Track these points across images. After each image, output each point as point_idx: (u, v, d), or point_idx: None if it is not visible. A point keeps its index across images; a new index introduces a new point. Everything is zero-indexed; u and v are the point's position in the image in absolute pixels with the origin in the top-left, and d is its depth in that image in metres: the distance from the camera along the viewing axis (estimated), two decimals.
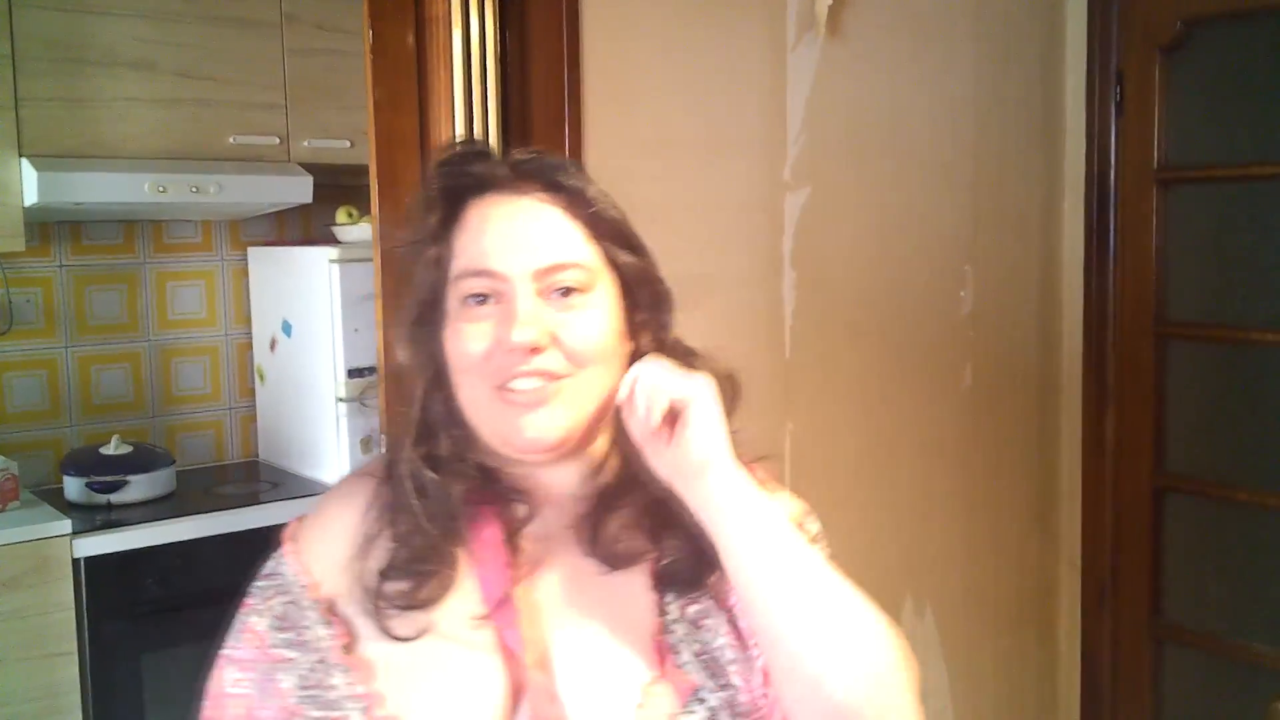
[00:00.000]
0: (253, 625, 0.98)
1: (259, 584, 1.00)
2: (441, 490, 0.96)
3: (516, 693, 0.92)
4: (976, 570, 2.58)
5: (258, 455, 3.52)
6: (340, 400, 3.08)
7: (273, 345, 3.36)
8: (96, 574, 2.65)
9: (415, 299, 0.98)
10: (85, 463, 2.96)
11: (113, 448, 2.98)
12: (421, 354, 0.98)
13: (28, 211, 2.78)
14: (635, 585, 0.98)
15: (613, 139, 1.77)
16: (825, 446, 2.18)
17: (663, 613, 0.97)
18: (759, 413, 2.21)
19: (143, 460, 2.98)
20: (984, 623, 2.59)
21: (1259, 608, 2.55)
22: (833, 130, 2.17)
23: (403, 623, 0.93)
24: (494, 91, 1.57)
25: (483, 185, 0.99)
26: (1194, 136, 2.53)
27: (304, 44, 3.17)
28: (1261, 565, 2.56)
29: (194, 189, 2.92)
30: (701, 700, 0.93)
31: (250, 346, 3.49)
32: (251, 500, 3.02)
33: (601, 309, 0.97)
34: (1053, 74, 2.61)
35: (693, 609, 0.97)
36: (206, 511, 2.86)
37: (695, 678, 0.94)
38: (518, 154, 1.01)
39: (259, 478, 3.32)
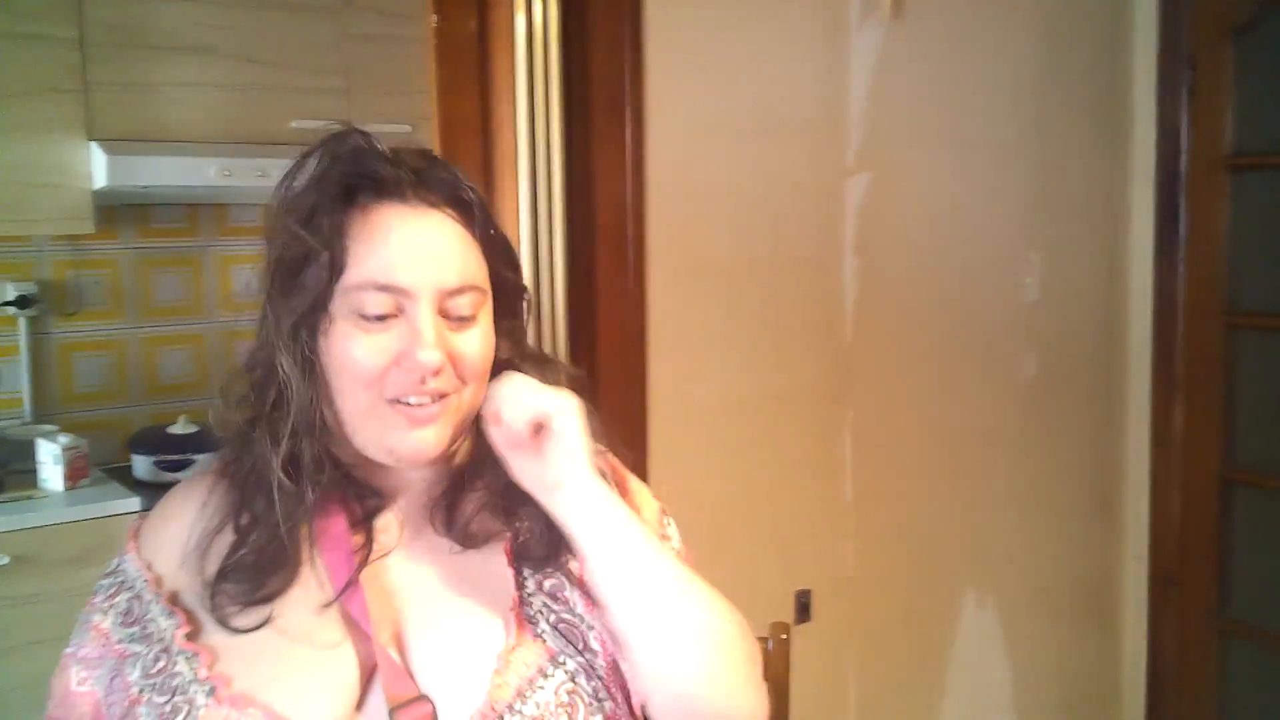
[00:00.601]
0: (97, 623, 1.01)
1: (103, 582, 1.04)
2: (294, 490, 0.95)
3: (368, 671, 0.94)
4: (1039, 562, 2.55)
5: None
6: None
7: None
8: None
9: (302, 301, 0.95)
10: (153, 441, 3.01)
11: (179, 427, 3.03)
12: (296, 356, 0.95)
13: (96, 194, 2.83)
14: (491, 562, 1.01)
15: (674, 123, 1.76)
16: (885, 434, 2.16)
17: (520, 587, 0.99)
18: (819, 400, 2.19)
19: (209, 440, 3.03)
20: (1046, 615, 2.56)
21: None
22: (895, 114, 2.14)
23: (242, 617, 0.95)
24: (555, 75, 1.57)
25: (380, 188, 0.97)
26: (1266, 122, 2.47)
27: (364, 29, 3.18)
28: None
29: (259, 173, 2.96)
30: (560, 664, 0.96)
31: None
32: None
33: (485, 326, 1.00)
34: (1120, 57, 2.55)
35: (549, 583, 1.00)
36: None
37: (553, 645, 0.97)
38: (412, 158, 1.00)
39: None
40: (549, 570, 1.01)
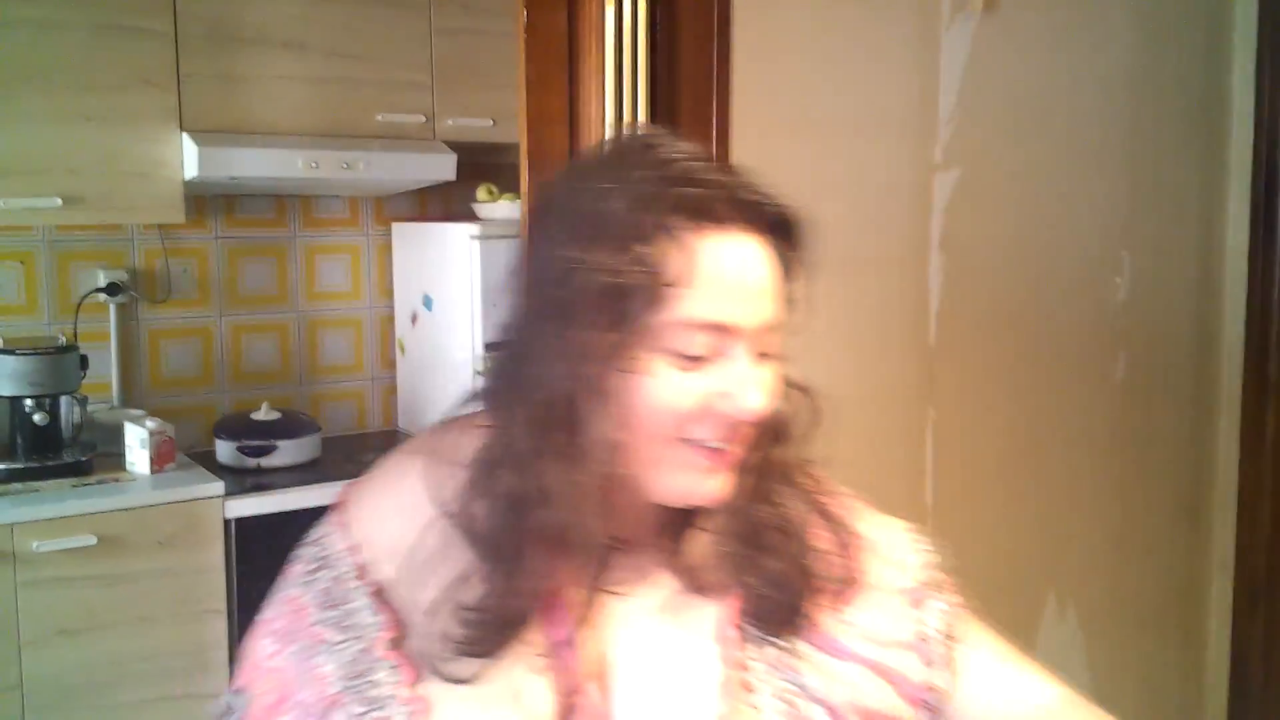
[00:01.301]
0: (295, 597, 0.92)
1: (303, 551, 0.95)
2: (590, 548, 0.85)
3: (567, 709, 0.86)
4: (1122, 569, 2.50)
5: (397, 425, 3.60)
6: (478, 373, 3.12)
7: (414, 319, 3.44)
8: (246, 535, 2.76)
9: (617, 336, 0.81)
10: (237, 427, 3.07)
11: (263, 414, 3.09)
12: (601, 393, 0.82)
13: (187, 185, 2.89)
14: (715, 616, 0.91)
15: (760, 118, 1.75)
16: (969, 436, 2.13)
17: (742, 646, 0.90)
18: (901, 400, 2.17)
19: (291, 426, 3.08)
20: (1129, 623, 2.51)
21: None
22: (986, 110, 2.11)
23: (459, 664, 0.85)
24: (644, 71, 1.56)
25: (700, 211, 0.83)
26: None
27: (450, 24, 3.22)
28: None
29: (345, 166, 3.00)
30: None
31: (392, 319, 3.57)
32: None
33: (779, 359, 0.89)
34: (1218, 52, 2.49)
35: (774, 650, 0.90)
36: (350, 477, 2.93)
37: (771, 718, 0.87)
38: (726, 173, 0.87)
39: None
40: (780, 637, 0.90)
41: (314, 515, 3.25)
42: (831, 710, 0.89)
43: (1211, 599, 2.68)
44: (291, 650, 0.90)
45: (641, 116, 1.58)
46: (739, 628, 0.90)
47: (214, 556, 2.71)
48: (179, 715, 2.68)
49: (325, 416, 3.43)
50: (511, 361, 0.88)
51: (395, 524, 0.91)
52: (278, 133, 2.98)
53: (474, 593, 0.85)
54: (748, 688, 0.88)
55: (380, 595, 0.89)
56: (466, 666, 0.84)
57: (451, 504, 0.87)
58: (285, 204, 3.39)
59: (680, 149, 0.86)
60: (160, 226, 3.16)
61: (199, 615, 2.70)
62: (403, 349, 3.54)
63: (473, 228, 3.10)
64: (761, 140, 1.76)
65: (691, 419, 0.84)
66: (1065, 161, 2.25)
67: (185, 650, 2.69)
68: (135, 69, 2.80)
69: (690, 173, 0.84)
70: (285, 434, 3.05)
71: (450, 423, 0.95)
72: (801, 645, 0.90)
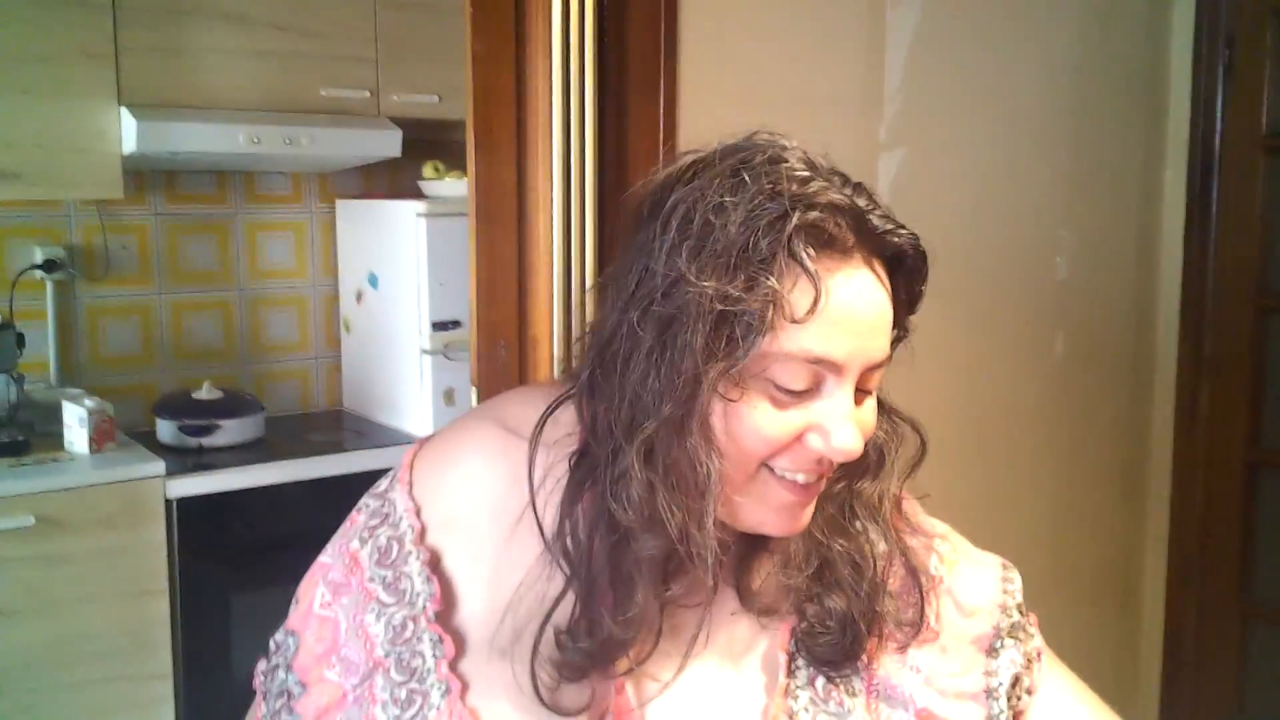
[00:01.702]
0: (354, 550, 0.91)
1: (368, 502, 0.94)
2: (655, 566, 0.81)
3: (600, 711, 0.84)
4: (1061, 543, 2.55)
5: (343, 405, 3.57)
6: (425, 352, 3.11)
7: (359, 297, 3.41)
8: (188, 515, 2.73)
9: (722, 363, 0.77)
10: (178, 406, 3.03)
11: (204, 392, 3.05)
12: (701, 422, 0.78)
13: (126, 160, 2.84)
14: (767, 640, 0.88)
15: (707, 96, 1.76)
16: (912, 412, 2.16)
17: (790, 674, 0.86)
18: None
19: (233, 405, 3.05)
20: (1068, 594, 2.56)
21: None
22: (931, 89, 2.13)
23: (543, 681, 0.82)
24: (592, 47, 1.56)
25: (826, 240, 0.78)
26: None
27: None
28: None
29: (287, 141, 2.96)
30: None
31: (337, 298, 3.54)
32: (337, 448, 3.07)
33: (875, 394, 0.85)
34: (1158, 34, 2.53)
35: (822, 681, 0.86)
36: (294, 457, 2.92)
37: None
38: (854, 197, 0.80)
39: (344, 426, 3.38)
40: (835, 672, 0.86)
41: (259, 495, 3.22)
42: None
43: (1147, 571, 2.74)
44: (344, 602, 0.89)
45: (590, 93, 1.58)
46: (790, 655, 0.87)
47: (155, 536, 2.68)
48: (122, 695, 2.66)
49: (269, 396, 3.39)
50: (606, 364, 0.82)
51: (460, 493, 0.90)
52: (219, 107, 2.94)
53: (571, 616, 0.82)
54: (790, 716, 0.84)
55: (435, 564, 0.88)
56: (550, 681, 0.82)
57: (542, 514, 0.84)
58: (227, 180, 3.35)
59: (809, 164, 0.81)
60: (99, 202, 3.10)
61: (140, 595, 2.67)
62: (348, 328, 3.51)
63: (419, 205, 3.08)
64: (709, 118, 1.77)
65: (782, 452, 0.80)
66: (1008, 141, 2.28)
67: (127, 630, 2.66)
68: (73, 40, 2.74)
69: (818, 195, 0.78)
70: (228, 413, 3.02)
71: (520, 393, 0.94)
72: (856, 683, 0.87)
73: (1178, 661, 2.75)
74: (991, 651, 0.90)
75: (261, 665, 0.96)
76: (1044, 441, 2.46)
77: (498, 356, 1.67)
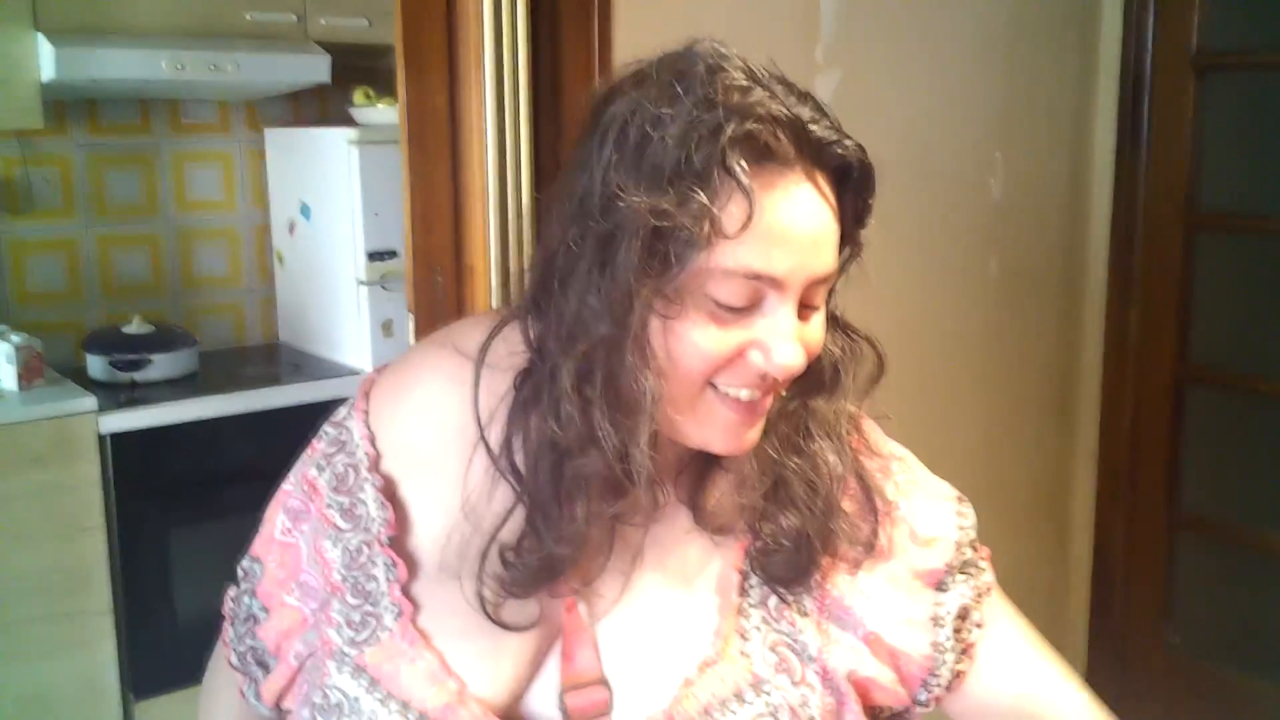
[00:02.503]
0: (312, 477, 0.91)
1: (327, 430, 0.93)
2: (594, 484, 0.80)
3: (552, 638, 0.85)
4: (995, 459, 2.60)
5: (279, 338, 3.53)
6: (361, 283, 3.07)
7: (291, 228, 3.35)
8: (122, 451, 2.69)
9: (658, 281, 0.76)
10: (108, 341, 2.98)
11: (135, 327, 3.00)
12: (641, 341, 0.77)
13: (45, 88, 2.75)
14: (721, 558, 0.88)
15: (643, 13, 1.73)
16: None
17: (743, 593, 0.86)
18: None
19: (165, 339, 3.00)
20: (1001, 511, 2.61)
21: (1277, 498, 2.57)
22: (866, 12, 2.12)
23: (489, 597, 0.82)
24: None
25: (764, 151, 0.76)
26: (1234, 22, 2.46)
27: None
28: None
29: (212, 67, 2.88)
30: (764, 693, 0.83)
31: (269, 229, 3.47)
32: (273, 381, 3.04)
33: (823, 310, 0.84)
34: None
35: (776, 602, 0.87)
36: (229, 391, 2.89)
37: (761, 670, 0.84)
38: (796, 106, 0.78)
39: (280, 360, 3.34)
40: (787, 591, 0.87)
41: (194, 430, 3.18)
42: (825, 673, 0.86)
43: (1077, 485, 2.81)
44: (304, 529, 0.91)
45: (522, 14, 1.55)
46: (743, 574, 0.87)
47: (89, 473, 2.64)
48: (61, 633, 2.64)
49: (202, 330, 3.34)
50: (548, 282, 0.81)
51: (414, 421, 0.90)
52: (140, 32, 2.85)
53: (516, 534, 0.82)
54: (742, 634, 0.85)
55: (390, 490, 0.88)
56: (494, 598, 0.82)
57: (489, 434, 0.83)
58: (151, 109, 3.26)
59: (749, 74, 0.79)
60: (17, 133, 3.00)
61: (77, 533, 2.64)
62: (281, 260, 3.45)
63: (350, 133, 3.02)
64: (645, 35, 1.74)
65: (723, 369, 0.79)
66: (943, 63, 2.28)
67: (64, 568, 2.63)
68: None
69: (757, 106, 0.76)
70: (159, 347, 2.97)
71: (475, 319, 0.94)
72: (808, 602, 0.87)
73: (1107, 572, 2.83)
74: (941, 586, 0.91)
75: (231, 592, 0.98)
76: (978, 360, 2.50)
77: (434, 285, 1.65)
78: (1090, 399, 2.76)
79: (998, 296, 2.49)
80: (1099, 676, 2.78)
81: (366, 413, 0.92)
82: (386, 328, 3.09)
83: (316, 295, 3.29)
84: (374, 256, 3.06)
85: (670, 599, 0.86)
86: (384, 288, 3.07)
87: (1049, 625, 0.96)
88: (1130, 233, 2.63)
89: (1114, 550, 2.80)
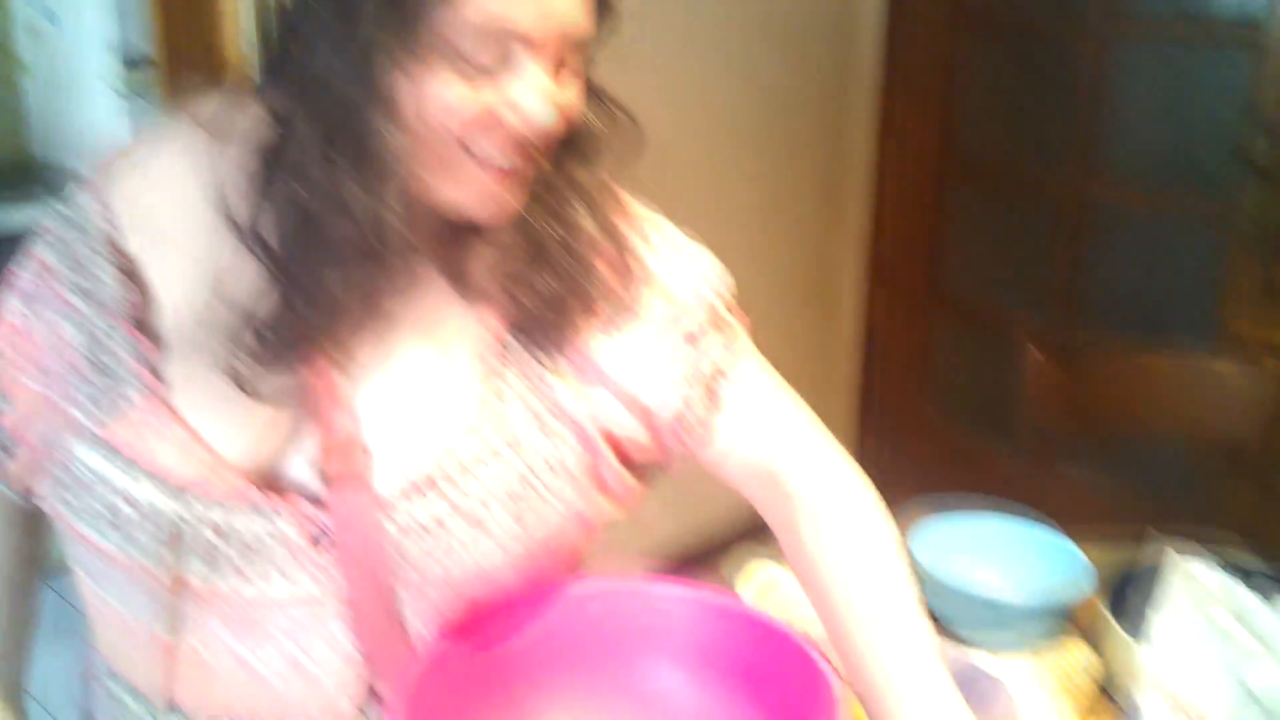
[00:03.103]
0: (42, 256, 0.87)
1: (58, 208, 0.88)
2: (345, 250, 0.78)
3: (312, 400, 0.83)
4: (773, 251, 2.70)
5: (32, 152, 3.31)
6: (118, 94, 2.90)
7: (35, 35, 3.11)
8: None
9: (412, 31, 0.74)
10: None
11: None
12: (382, 96, 0.75)
13: None
14: (480, 322, 0.88)
15: None
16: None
17: (501, 355, 0.87)
18: None
19: None
20: (776, 298, 2.74)
21: (1024, 280, 2.76)
22: None
23: (241, 370, 0.80)
24: None
25: None
26: None
27: None
28: (1032, 243, 2.74)
29: None
30: (519, 451, 0.86)
31: (11, 36, 3.21)
32: (26, 199, 2.86)
33: (581, 78, 0.82)
34: None
35: (534, 365, 0.88)
36: None
37: (519, 428, 0.86)
38: None
39: (33, 178, 3.14)
40: (544, 353, 0.88)
41: None
42: (579, 431, 0.88)
43: (846, 271, 2.95)
44: (39, 310, 0.86)
45: None
46: (502, 341, 0.87)
47: None
48: None
49: None
50: (287, 45, 0.78)
51: (152, 196, 0.86)
52: None
53: (268, 306, 0.79)
54: (499, 396, 0.86)
55: (130, 268, 0.84)
56: (247, 372, 0.80)
57: (232, 206, 0.79)
58: None
59: None
60: None
61: None
62: (27, 70, 3.21)
63: None
64: None
65: (475, 130, 0.77)
66: None
67: None
68: None
69: None
70: None
71: (215, 94, 0.87)
72: (563, 363, 0.89)
73: (873, 353, 3.01)
74: (694, 342, 0.93)
75: None
76: (751, 152, 2.56)
77: (193, 87, 1.58)
78: (860, 187, 2.87)
79: (770, 87, 2.54)
80: (865, 446, 3.00)
81: (100, 190, 0.87)
82: None
83: (69, 108, 3.09)
84: (130, 64, 2.87)
85: (429, 364, 0.86)
86: (141, 97, 2.90)
87: (819, 400, 1.01)
88: (901, 28, 2.71)
89: (879, 332, 2.98)
